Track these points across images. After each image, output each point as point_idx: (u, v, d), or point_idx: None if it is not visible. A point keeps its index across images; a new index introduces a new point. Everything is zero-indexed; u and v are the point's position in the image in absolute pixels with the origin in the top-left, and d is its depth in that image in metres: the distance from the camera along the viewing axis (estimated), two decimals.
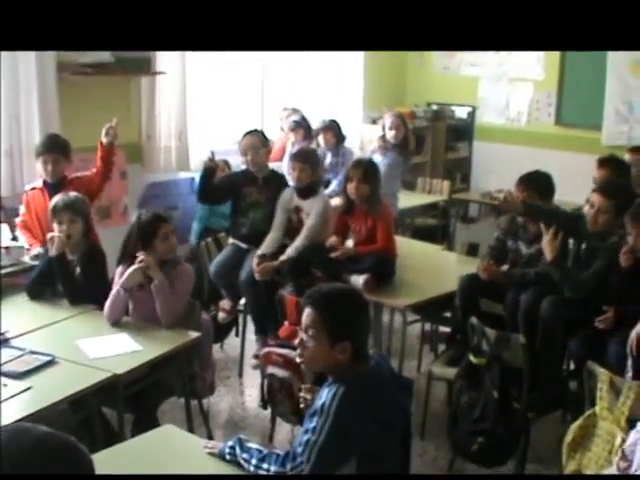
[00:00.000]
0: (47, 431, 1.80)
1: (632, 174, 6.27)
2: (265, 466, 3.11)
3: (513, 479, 4.83)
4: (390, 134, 8.09)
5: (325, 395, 3.09)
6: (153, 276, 4.69)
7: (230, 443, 3.24)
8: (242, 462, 3.17)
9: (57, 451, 1.78)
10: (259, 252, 6.04)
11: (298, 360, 3.29)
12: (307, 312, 3.19)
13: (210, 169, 6.36)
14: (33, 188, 5.95)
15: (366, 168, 5.93)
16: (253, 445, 3.22)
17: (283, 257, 5.96)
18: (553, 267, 5.02)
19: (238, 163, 6.92)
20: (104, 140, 5.91)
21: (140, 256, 4.70)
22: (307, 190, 6.22)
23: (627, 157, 6.49)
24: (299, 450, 3.05)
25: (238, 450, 3.20)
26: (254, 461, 3.14)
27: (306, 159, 6.28)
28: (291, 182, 6.32)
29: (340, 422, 3.01)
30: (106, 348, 4.36)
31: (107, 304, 4.73)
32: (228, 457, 3.22)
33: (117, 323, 4.72)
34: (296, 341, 4.79)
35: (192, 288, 4.96)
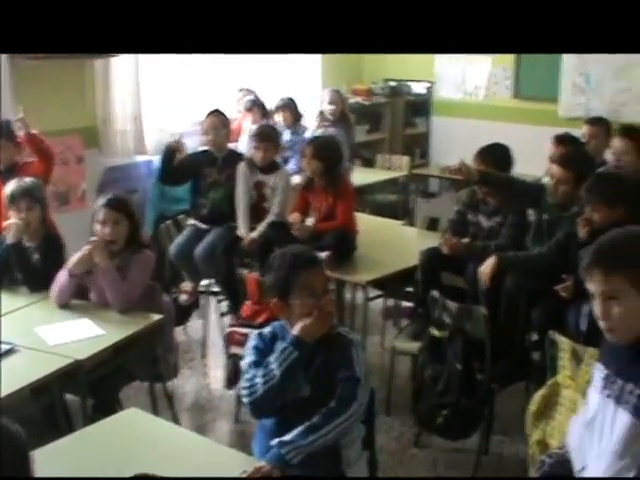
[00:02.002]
0: None
1: (591, 145, 6.30)
2: (332, 425, 3.15)
3: None
4: (328, 110, 8.12)
5: (344, 348, 3.30)
6: (98, 262, 4.64)
7: (274, 451, 3.12)
8: (309, 447, 3.12)
9: None
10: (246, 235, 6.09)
11: None
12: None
13: (172, 151, 6.31)
14: None
15: (316, 145, 5.98)
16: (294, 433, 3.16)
17: (254, 234, 5.99)
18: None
19: (194, 145, 6.89)
20: (20, 134, 5.87)
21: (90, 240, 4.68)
22: (269, 165, 6.23)
23: (585, 129, 6.50)
24: (357, 396, 3.22)
25: (288, 447, 3.10)
26: (318, 433, 3.13)
27: (270, 137, 6.33)
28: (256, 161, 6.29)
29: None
30: (67, 334, 4.31)
31: (53, 286, 4.69)
32: (290, 458, 3.10)
33: (66, 306, 4.67)
34: (259, 320, 4.86)
35: (151, 273, 4.90)
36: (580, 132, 6.51)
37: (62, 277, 4.67)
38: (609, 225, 4.58)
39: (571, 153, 5.63)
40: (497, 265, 4.99)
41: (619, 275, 2.64)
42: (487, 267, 5.02)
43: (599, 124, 6.46)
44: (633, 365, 2.70)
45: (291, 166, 7.75)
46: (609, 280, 2.66)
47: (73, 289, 4.71)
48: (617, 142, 5.63)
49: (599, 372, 2.88)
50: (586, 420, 2.87)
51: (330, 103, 8.15)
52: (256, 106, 8.39)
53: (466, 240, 5.47)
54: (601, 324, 2.73)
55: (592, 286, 2.72)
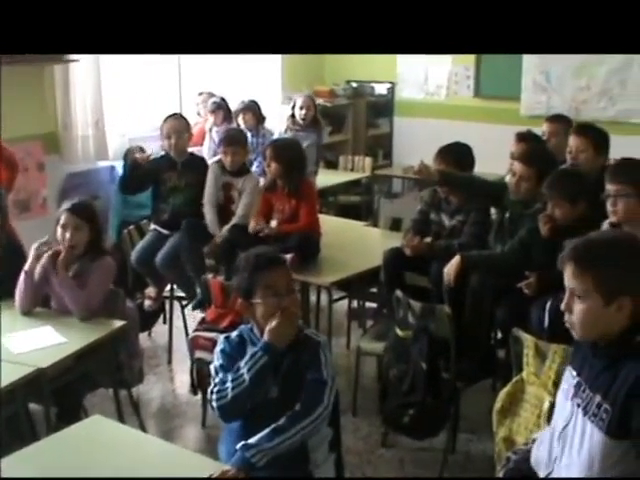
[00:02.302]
0: None
1: (552, 143, 6.30)
2: (297, 427, 3.16)
3: None
4: (300, 114, 8.16)
5: (312, 350, 3.32)
6: (57, 270, 4.61)
7: (239, 454, 3.12)
8: (274, 450, 3.13)
9: None
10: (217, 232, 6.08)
11: None
12: None
13: (137, 164, 6.25)
14: None
15: (276, 147, 6.00)
16: (259, 436, 3.16)
17: (218, 238, 5.96)
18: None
19: (155, 149, 6.86)
20: None
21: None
22: (238, 169, 6.23)
23: (545, 127, 6.49)
24: (323, 399, 3.24)
25: (253, 450, 3.10)
26: (283, 436, 3.14)
27: (238, 141, 6.34)
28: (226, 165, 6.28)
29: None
30: (30, 342, 4.27)
31: (16, 292, 4.66)
32: (255, 460, 3.10)
33: (29, 312, 4.64)
34: (223, 324, 4.84)
35: (113, 279, 4.86)
36: (541, 130, 6.52)
37: (21, 280, 4.64)
38: (571, 221, 4.65)
39: (533, 150, 5.66)
40: (461, 264, 5.00)
41: (587, 276, 2.66)
42: (451, 267, 5.04)
43: (559, 122, 6.47)
44: (602, 375, 2.71)
45: (254, 169, 7.75)
46: (577, 278, 2.69)
47: (34, 295, 4.68)
48: (573, 140, 5.63)
49: (570, 378, 2.88)
50: (558, 430, 2.87)
51: (302, 108, 8.18)
52: (221, 108, 8.38)
53: (428, 240, 5.48)
54: (565, 317, 2.76)
55: (565, 279, 2.75)
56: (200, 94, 8.73)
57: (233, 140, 6.31)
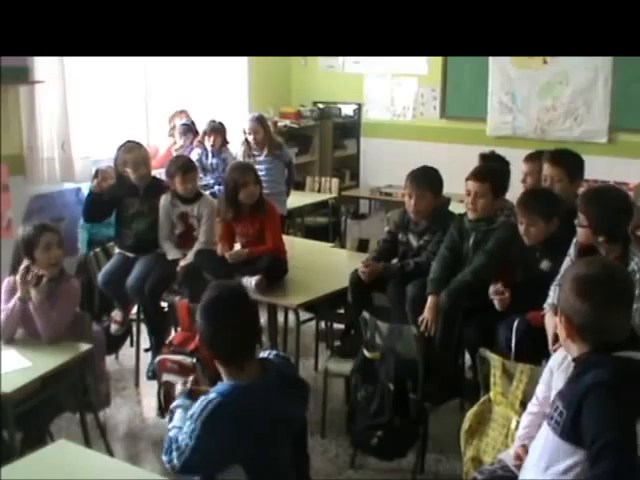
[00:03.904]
0: None
1: (527, 183, 6.10)
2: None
3: None
4: (250, 138, 8.14)
5: (200, 402, 3.12)
6: (32, 293, 4.58)
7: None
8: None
9: None
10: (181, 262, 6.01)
11: None
12: None
13: (99, 193, 6.17)
14: None
15: (255, 171, 5.97)
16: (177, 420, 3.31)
17: (183, 262, 5.93)
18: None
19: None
20: None
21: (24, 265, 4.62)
22: (193, 195, 6.19)
23: (525, 167, 6.23)
24: (174, 447, 3.17)
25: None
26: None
27: (193, 167, 6.31)
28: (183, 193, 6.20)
29: (207, 432, 3.04)
30: None
31: (2, 321, 4.61)
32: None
33: (12, 340, 4.59)
34: (191, 347, 4.83)
35: (79, 302, 4.85)
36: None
37: (15, 309, 4.60)
38: (544, 238, 4.68)
39: (484, 167, 5.72)
40: (437, 304, 5.04)
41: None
42: (430, 311, 5.06)
43: (535, 160, 6.21)
44: (567, 385, 2.82)
45: (219, 187, 7.74)
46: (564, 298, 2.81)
47: (19, 319, 4.65)
48: (548, 169, 5.51)
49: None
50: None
51: (250, 133, 8.16)
52: (190, 131, 8.37)
53: (395, 260, 5.50)
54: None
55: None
56: (181, 112, 8.67)
57: (190, 166, 6.25)
